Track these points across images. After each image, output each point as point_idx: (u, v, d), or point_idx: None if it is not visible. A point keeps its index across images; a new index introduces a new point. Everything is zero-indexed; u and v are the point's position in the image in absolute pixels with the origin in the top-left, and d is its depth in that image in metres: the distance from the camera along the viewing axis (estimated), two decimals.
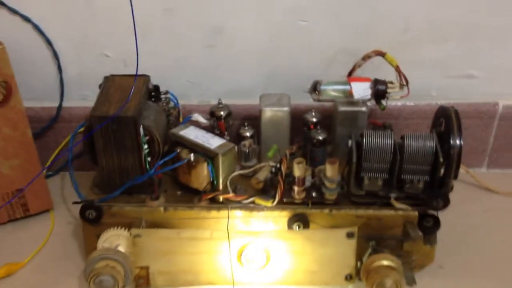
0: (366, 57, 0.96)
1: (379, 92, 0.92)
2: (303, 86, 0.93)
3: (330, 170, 0.86)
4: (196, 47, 1.02)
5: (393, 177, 0.86)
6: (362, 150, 0.83)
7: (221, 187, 0.87)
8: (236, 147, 0.88)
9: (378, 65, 0.92)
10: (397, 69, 0.94)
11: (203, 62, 1.03)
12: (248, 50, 1.02)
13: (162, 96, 0.94)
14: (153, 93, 0.93)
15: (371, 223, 0.86)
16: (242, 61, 1.04)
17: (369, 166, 0.84)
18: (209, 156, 0.84)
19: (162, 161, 0.87)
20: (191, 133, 0.88)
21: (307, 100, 0.99)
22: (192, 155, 0.84)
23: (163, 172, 0.88)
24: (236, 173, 0.88)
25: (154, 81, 0.92)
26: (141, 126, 0.83)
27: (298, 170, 0.87)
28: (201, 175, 0.86)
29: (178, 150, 0.86)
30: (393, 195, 0.85)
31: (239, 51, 1.03)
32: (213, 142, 0.86)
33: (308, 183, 0.89)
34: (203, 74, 1.05)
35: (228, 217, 0.85)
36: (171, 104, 0.96)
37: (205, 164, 0.85)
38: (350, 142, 0.88)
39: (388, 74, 0.91)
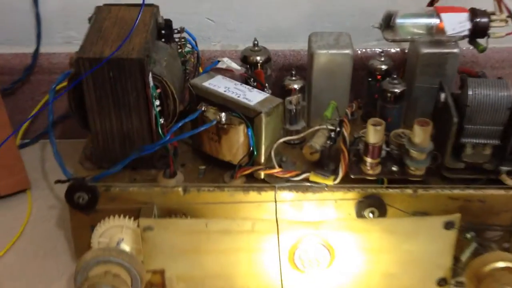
0: None
1: (480, 26, 0.68)
2: (363, 24, 0.76)
3: (421, 135, 0.63)
4: None
5: (508, 144, 0.64)
6: (466, 106, 0.63)
7: (263, 159, 0.67)
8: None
9: None
10: None
11: None
12: None
13: (176, 35, 0.73)
14: (163, 31, 0.71)
15: (470, 207, 0.66)
16: None
17: (474, 130, 0.65)
18: (249, 116, 0.64)
19: (180, 123, 0.62)
20: (220, 85, 0.68)
21: (368, 43, 0.84)
22: (223, 114, 0.64)
23: (181, 139, 0.68)
24: (281, 140, 0.66)
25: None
26: (150, 74, 0.61)
27: (374, 135, 0.63)
28: (236, 143, 0.66)
29: (203, 108, 0.62)
30: (505, 168, 0.65)
31: None
32: (251, 96, 0.66)
33: (382, 153, 0.66)
34: (228, 9, 0.84)
35: (276, 200, 0.65)
36: (188, 47, 0.75)
37: (242, 128, 0.65)
38: (442, 95, 0.65)
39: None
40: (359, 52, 0.84)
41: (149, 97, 0.63)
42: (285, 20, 0.85)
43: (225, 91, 0.66)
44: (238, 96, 0.65)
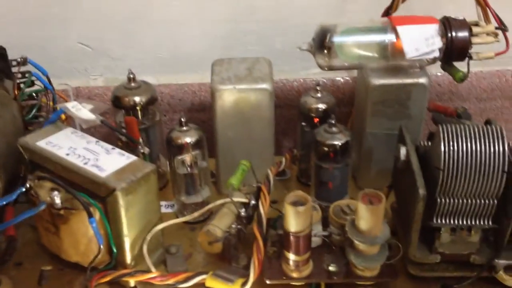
0: None
1: (458, 43, 0.47)
2: (294, 44, 0.53)
3: (369, 219, 0.42)
4: None
5: (505, 226, 0.42)
6: (441, 170, 0.42)
7: (128, 258, 0.45)
8: (157, 168, 0.53)
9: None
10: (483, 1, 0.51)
11: (111, 8, 0.62)
12: None
13: (15, 69, 0.52)
14: None
15: None
16: (180, 3, 0.62)
17: (454, 205, 0.43)
18: (97, 195, 0.44)
19: None
20: (63, 144, 0.47)
21: (309, 70, 0.63)
22: (55, 194, 0.43)
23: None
24: (162, 225, 0.43)
25: (17, 46, 0.52)
26: None
27: (296, 220, 0.41)
28: (83, 237, 0.45)
29: (29, 184, 0.41)
30: (502, 262, 0.45)
31: None
32: (106, 162, 0.44)
33: (316, 239, 0.43)
34: (110, 30, 0.63)
35: None
36: (38, 85, 0.55)
37: (84, 215, 0.41)
38: (403, 151, 0.43)
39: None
40: (295, 84, 0.61)
41: None
42: (193, 41, 0.65)
43: (67, 154, 0.43)
44: (86, 163, 0.43)
